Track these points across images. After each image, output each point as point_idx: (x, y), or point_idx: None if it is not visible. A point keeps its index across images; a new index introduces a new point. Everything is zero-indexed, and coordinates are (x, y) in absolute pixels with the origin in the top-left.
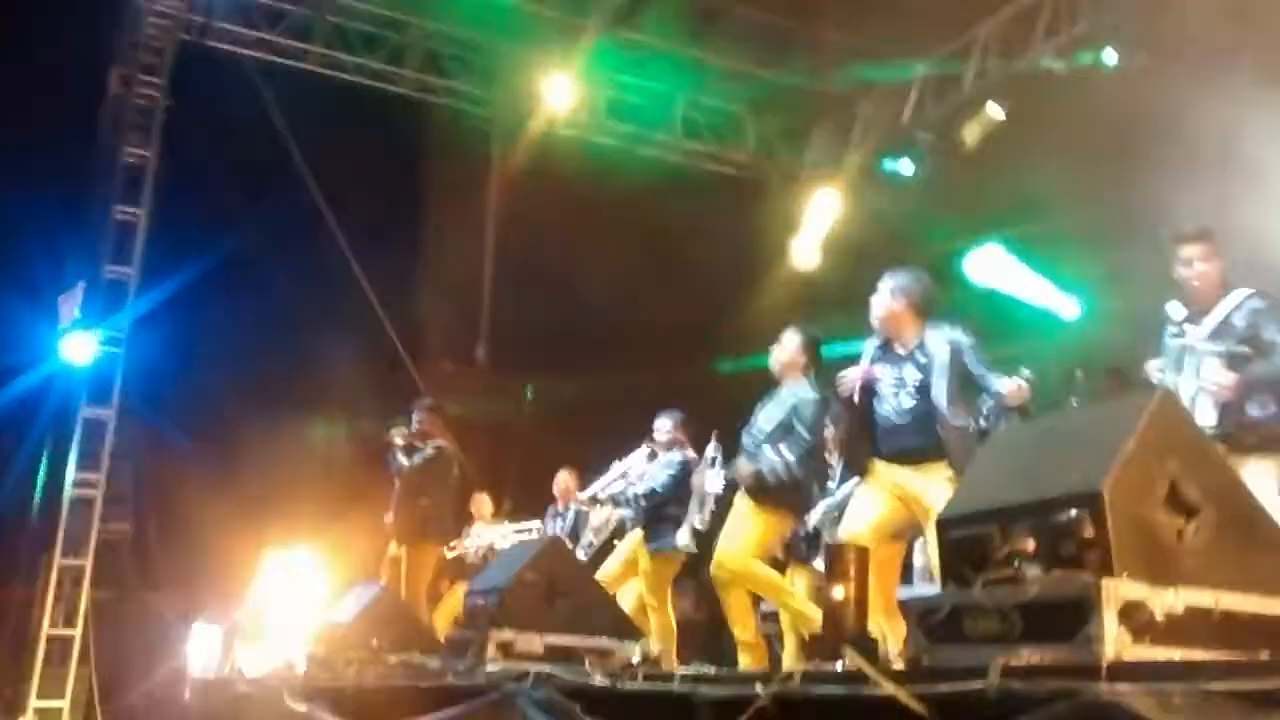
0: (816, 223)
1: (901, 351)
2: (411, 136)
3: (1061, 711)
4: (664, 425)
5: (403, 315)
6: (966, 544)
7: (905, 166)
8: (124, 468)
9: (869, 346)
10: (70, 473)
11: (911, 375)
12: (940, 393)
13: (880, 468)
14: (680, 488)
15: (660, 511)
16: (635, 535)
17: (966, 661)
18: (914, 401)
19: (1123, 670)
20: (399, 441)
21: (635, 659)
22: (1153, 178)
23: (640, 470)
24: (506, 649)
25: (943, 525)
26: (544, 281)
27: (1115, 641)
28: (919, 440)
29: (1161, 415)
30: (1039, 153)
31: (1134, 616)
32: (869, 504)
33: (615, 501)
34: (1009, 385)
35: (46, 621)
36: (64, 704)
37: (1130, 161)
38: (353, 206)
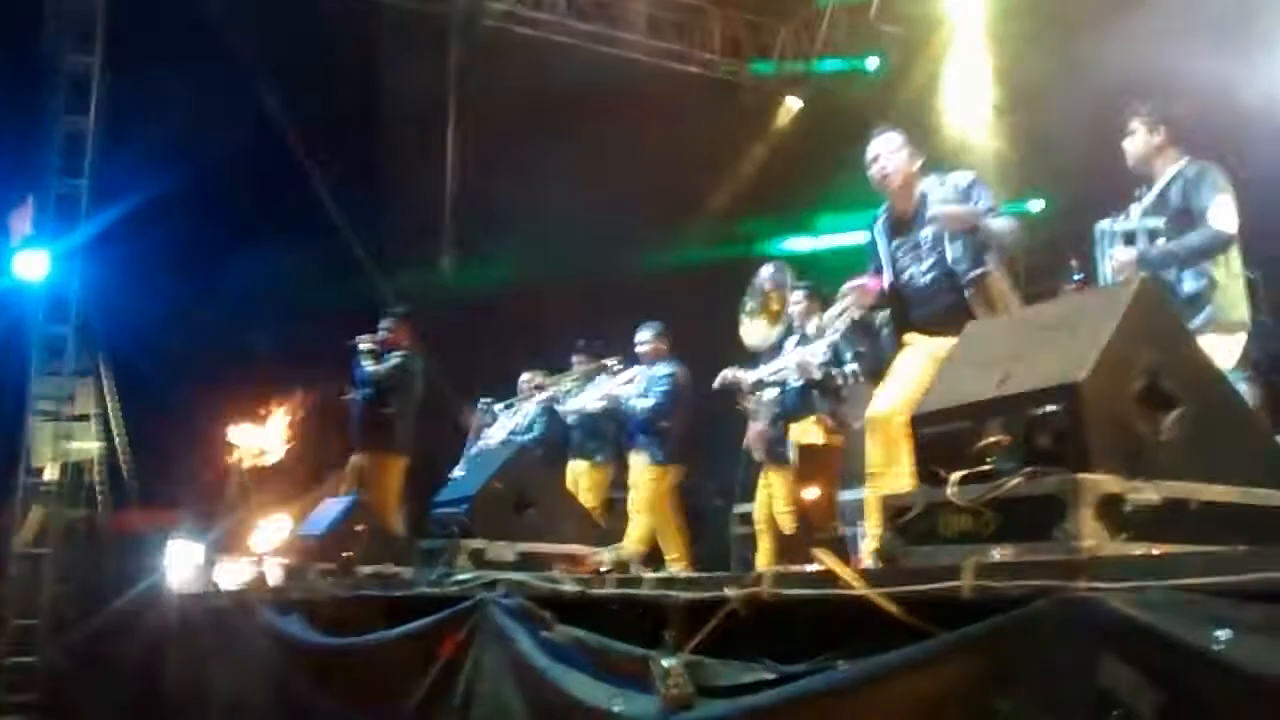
0: (784, 121)
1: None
2: (366, 41)
3: (1039, 610)
4: (644, 336)
5: (367, 225)
6: (939, 441)
7: (872, 63)
8: (88, 385)
9: (877, 228)
10: (31, 391)
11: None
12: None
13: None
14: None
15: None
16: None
17: (941, 561)
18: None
19: (1100, 566)
20: (364, 348)
21: (605, 565)
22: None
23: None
24: (478, 557)
25: (915, 422)
26: (508, 187)
27: (1092, 537)
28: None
29: (1139, 305)
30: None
31: (1111, 511)
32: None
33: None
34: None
35: (16, 540)
36: (37, 622)
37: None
38: (309, 114)
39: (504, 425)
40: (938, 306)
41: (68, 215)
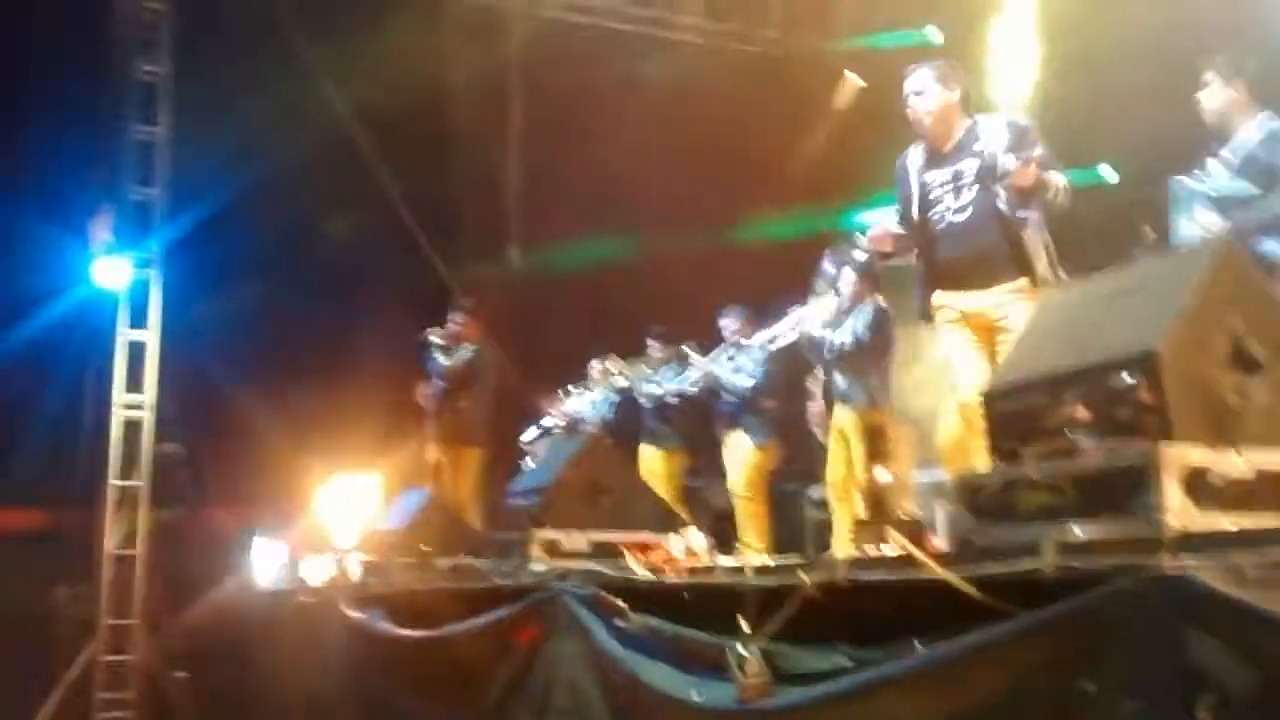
0: (844, 98)
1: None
2: (427, 36)
3: (1124, 588)
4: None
5: (434, 218)
6: (1014, 416)
7: (933, 33)
8: (170, 389)
9: (907, 164)
10: (117, 396)
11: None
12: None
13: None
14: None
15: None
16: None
17: (1019, 540)
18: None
19: (1188, 541)
20: (436, 342)
21: (677, 552)
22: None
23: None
24: (551, 548)
25: (989, 397)
26: (572, 177)
27: (1178, 511)
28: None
29: (1223, 267)
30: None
31: (1197, 483)
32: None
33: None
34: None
35: (111, 543)
36: (134, 621)
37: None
38: (374, 112)
39: (572, 409)
40: (973, 247)
41: (144, 223)
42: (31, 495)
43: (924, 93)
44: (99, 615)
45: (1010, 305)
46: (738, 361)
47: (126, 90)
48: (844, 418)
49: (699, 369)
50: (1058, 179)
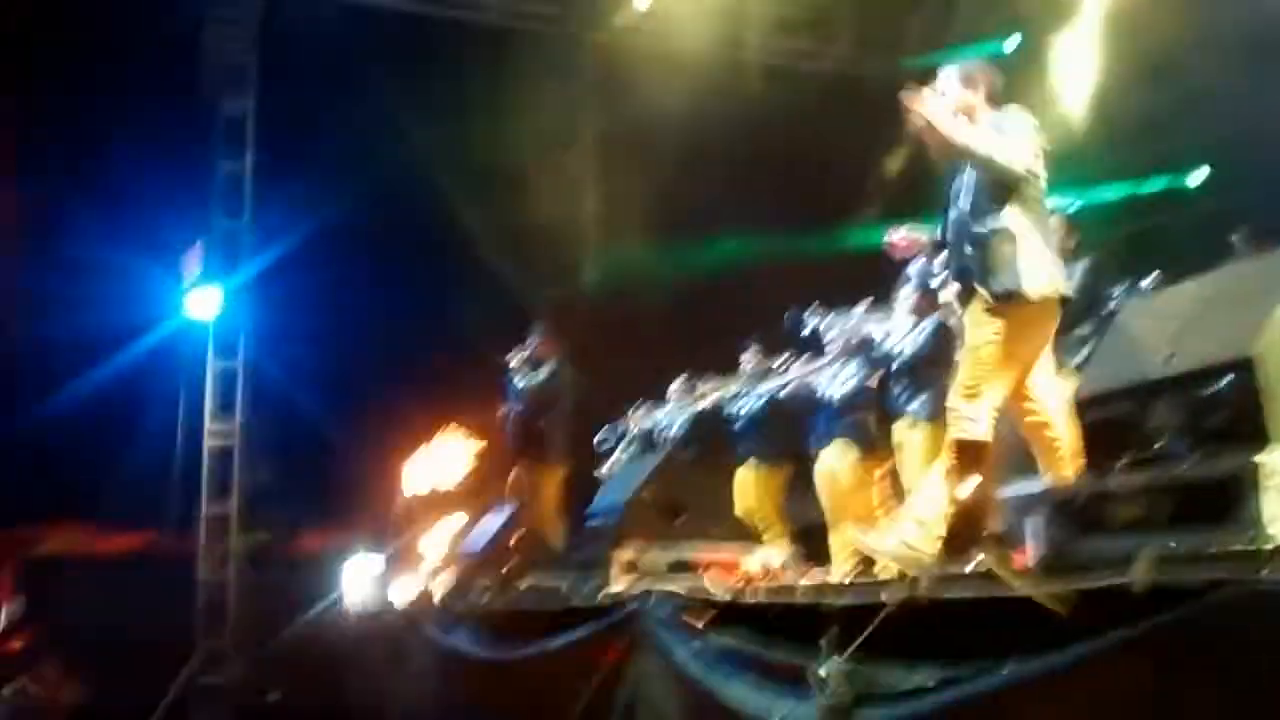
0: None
1: None
2: (499, 66)
3: (1218, 603)
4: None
5: (513, 243)
6: (1103, 425)
7: (1009, 43)
8: (260, 416)
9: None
10: (208, 423)
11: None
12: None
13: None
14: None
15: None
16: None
17: (1109, 554)
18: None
19: None
20: (516, 364)
21: (756, 570)
22: None
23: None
24: (631, 567)
25: (1079, 407)
26: (648, 200)
27: (1278, 523)
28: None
29: None
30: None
31: None
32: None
33: None
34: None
35: (204, 567)
36: (228, 643)
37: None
38: (452, 141)
39: (649, 423)
40: (955, 264)
41: (232, 253)
42: (130, 520)
43: (947, 93)
44: (195, 638)
45: (970, 321)
46: (841, 374)
47: (214, 125)
48: (901, 429)
49: (796, 376)
50: (999, 150)
